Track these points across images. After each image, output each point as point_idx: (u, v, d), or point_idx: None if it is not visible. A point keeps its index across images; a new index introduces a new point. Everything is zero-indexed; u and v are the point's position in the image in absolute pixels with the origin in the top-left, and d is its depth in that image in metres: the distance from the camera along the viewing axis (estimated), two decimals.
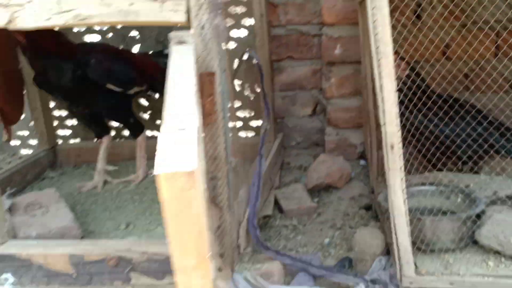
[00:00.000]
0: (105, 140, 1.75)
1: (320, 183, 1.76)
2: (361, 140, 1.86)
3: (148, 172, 1.77)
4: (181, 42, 0.82)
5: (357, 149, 1.87)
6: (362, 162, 1.88)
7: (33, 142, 2.13)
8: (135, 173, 1.78)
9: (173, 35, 0.86)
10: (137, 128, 1.77)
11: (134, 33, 1.98)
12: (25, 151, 2.15)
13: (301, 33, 1.85)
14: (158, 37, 1.98)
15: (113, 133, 1.98)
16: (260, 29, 1.73)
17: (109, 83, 1.58)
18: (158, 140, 0.51)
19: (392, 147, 1.00)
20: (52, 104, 1.99)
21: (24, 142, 2.16)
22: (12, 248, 1.14)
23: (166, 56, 1.84)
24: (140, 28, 1.97)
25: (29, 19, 0.97)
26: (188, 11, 0.92)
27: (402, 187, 1.02)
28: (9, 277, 1.14)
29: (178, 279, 0.53)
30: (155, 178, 0.49)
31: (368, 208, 1.67)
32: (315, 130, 1.98)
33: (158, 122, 2.10)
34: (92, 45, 1.81)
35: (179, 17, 0.92)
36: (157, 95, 1.99)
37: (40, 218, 1.30)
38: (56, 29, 1.50)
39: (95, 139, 1.83)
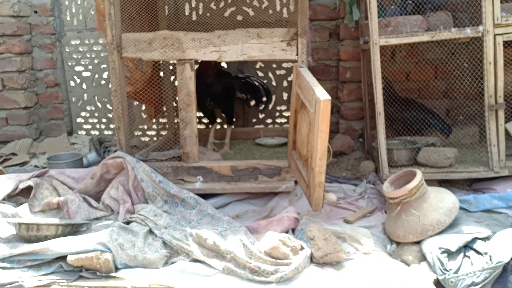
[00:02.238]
0: (214, 125, 3.04)
1: (337, 150, 3.05)
2: (360, 126, 3.18)
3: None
4: (301, 66, 2.12)
5: (358, 132, 3.20)
6: (360, 139, 3.19)
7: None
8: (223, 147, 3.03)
9: (296, 64, 2.17)
10: (232, 120, 3.06)
11: (223, 64, 3.30)
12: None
13: (325, 65, 3.19)
14: (239, 67, 3.30)
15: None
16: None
17: (244, 93, 2.93)
18: (317, 93, 1.78)
19: (380, 113, 2.31)
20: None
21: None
22: (202, 163, 2.40)
23: (240, 78, 3.17)
24: (228, 63, 3.27)
25: (227, 57, 2.27)
26: (297, 54, 2.24)
27: (383, 132, 2.33)
28: (200, 177, 2.40)
29: (319, 137, 1.80)
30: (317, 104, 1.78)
31: None
32: (332, 123, 3.27)
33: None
34: (226, 71, 3.11)
35: (293, 57, 2.24)
36: None
37: (203, 156, 2.57)
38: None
39: (210, 125, 3.11)
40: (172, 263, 1.80)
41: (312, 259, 1.78)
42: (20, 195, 2.35)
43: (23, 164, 3.12)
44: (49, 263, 1.79)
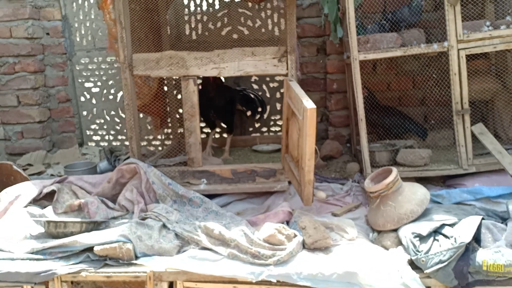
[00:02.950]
0: (213, 131, 3.35)
1: (327, 154, 3.36)
2: (347, 132, 3.49)
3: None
4: (290, 80, 2.43)
5: (345, 138, 3.51)
6: (348, 144, 3.50)
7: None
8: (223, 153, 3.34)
9: (286, 78, 2.48)
10: (232, 129, 3.36)
11: (222, 78, 3.60)
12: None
13: (314, 78, 3.51)
14: (235, 80, 3.61)
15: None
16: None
17: (241, 105, 3.24)
18: (304, 102, 2.09)
19: (361, 119, 2.62)
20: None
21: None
22: (205, 167, 2.70)
23: (238, 91, 3.49)
24: (226, 78, 3.57)
25: (225, 73, 2.58)
26: (287, 69, 2.55)
27: (365, 136, 2.63)
28: (204, 180, 2.69)
29: (307, 140, 2.11)
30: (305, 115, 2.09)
31: None
32: (322, 130, 3.60)
33: None
34: (227, 86, 3.42)
35: (284, 71, 2.56)
36: None
37: (206, 161, 2.87)
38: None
39: (210, 131, 3.42)
40: (184, 251, 2.09)
41: (304, 245, 2.07)
42: (44, 199, 2.63)
43: (39, 173, 3.40)
44: (77, 254, 2.07)
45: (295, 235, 2.08)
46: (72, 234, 2.20)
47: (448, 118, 2.93)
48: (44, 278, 1.96)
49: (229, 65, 2.57)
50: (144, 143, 3.75)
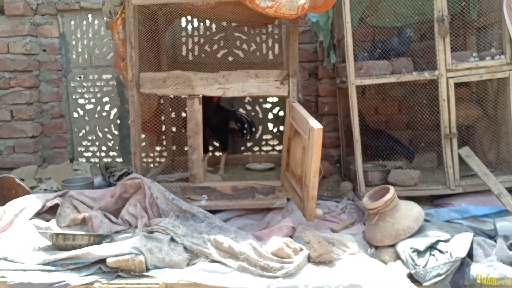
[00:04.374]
0: (207, 155, 3.43)
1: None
2: (337, 153, 3.64)
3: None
4: (293, 101, 2.56)
5: (335, 158, 3.66)
6: (337, 165, 3.65)
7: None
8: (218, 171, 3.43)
9: (289, 99, 2.61)
10: (226, 147, 3.46)
11: None
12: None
13: (306, 100, 3.67)
14: (230, 101, 3.73)
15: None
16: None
17: (236, 122, 3.33)
18: (311, 123, 2.22)
19: (357, 140, 2.77)
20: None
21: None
22: (206, 183, 2.78)
23: (233, 112, 3.61)
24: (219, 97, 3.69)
25: (230, 93, 2.70)
26: (288, 91, 2.69)
27: (360, 156, 2.78)
28: (205, 196, 2.77)
29: (313, 159, 2.23)
30: (310, 131, 2.22)
31: None
32: None
33: None
34: (222, 106, 3.50)
35: (285, 93, 2.69)
36: None
37: (206, 177, 2.95)
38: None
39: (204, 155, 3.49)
40: (194, 264, 2.16)
41: (309, 259, 2.18)
42: (46, 213, 2.65)
43: (32, 188, 3.39)
44: (88, 266, 2.11)
45: (301, 249, 2.18)
46: (80, 246, 2.23)
47: (432, 142, 3.12)
48: None
49: (234, 86, 2.69)
50: None
